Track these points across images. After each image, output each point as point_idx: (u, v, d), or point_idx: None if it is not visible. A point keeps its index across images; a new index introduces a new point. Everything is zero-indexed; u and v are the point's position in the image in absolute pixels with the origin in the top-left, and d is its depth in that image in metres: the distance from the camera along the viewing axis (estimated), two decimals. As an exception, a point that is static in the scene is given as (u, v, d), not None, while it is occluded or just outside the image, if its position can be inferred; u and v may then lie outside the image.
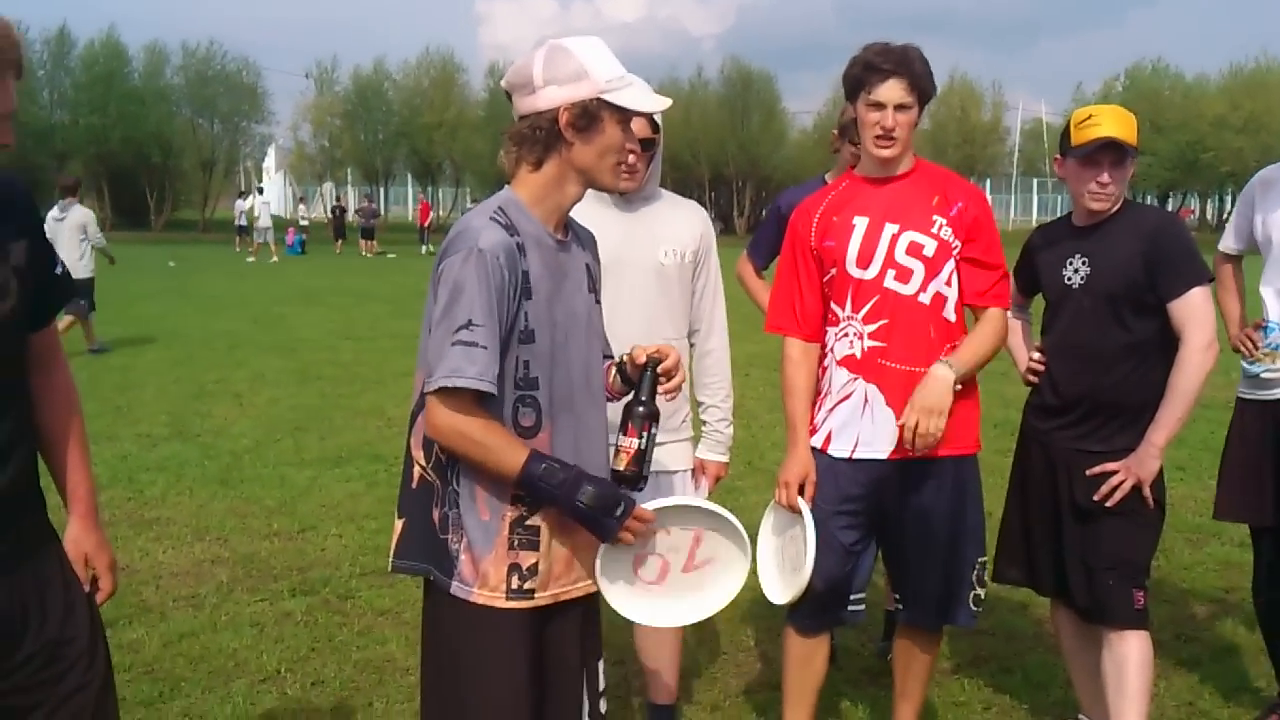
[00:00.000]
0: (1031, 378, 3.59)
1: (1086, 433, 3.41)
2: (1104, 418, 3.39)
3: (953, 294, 3.24)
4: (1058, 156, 3.50)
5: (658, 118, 3.30)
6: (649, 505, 2.45)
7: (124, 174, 49.92)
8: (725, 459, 3.63)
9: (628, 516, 2.37)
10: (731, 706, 4.08)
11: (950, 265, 3.22)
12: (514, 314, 2.31)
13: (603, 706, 2.63)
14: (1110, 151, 3.33)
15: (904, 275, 3.19)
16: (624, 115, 2.37)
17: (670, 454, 3.48)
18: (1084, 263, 3.41)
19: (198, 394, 10.36)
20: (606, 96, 2.33)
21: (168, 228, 49.30)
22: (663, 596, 2.53)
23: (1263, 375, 3.81)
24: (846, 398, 3.26)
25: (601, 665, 2.63)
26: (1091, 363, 3.39)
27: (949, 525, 3.29)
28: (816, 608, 3.33)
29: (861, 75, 3.17)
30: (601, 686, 2.62)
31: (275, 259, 29.54)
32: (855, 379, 3.24)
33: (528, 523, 2.38)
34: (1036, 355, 3.58)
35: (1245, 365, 3.89)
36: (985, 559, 3.39)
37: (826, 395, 3.32)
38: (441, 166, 57.54)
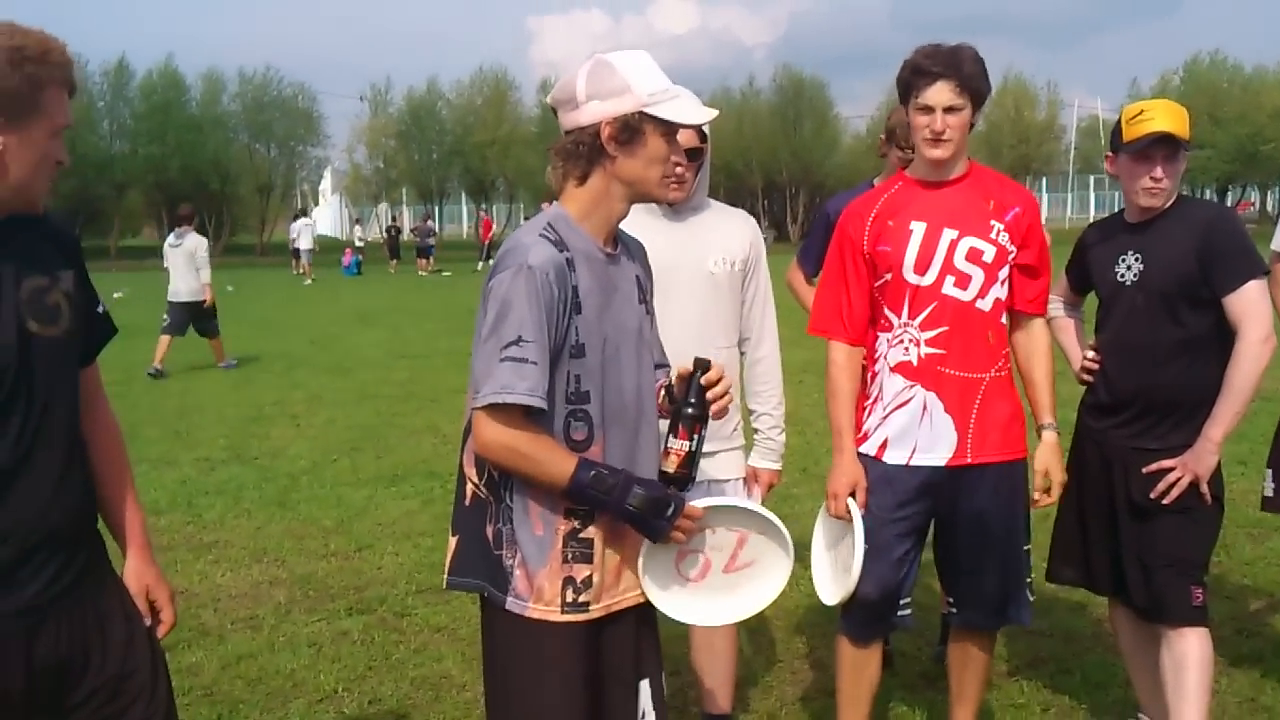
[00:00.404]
0: (1086, 376, 3.55)
1: (1142, 430, 3.36)
2: (1159, 415, 3.34)
3: (1005, 298, 3.23)
4: (1109, 153, 3.46)
5: (705, 128, 3.31)
6: (698, 503, 2.46)
7: (183, 201, 50.75)
8: (777, 467, 3.61)
9: (678, 516, 2.37)
10: (787, 715, 4.06)
11: (1005, 271, 3.20)
12: (564, 329, 2.32)
13: (651, 718, 2.61)
14: (1162, 146, 3.28)
15: (963, 281, 3.17)
16: (668, 128, 2.37)
17: (722, 462, 3.48)
18: (1137, 259, 3.36)
19: (256, 416, 10.51)
20: (649, 109, 2.33)
21: (226, 252, 50.10)
22: (702, 594, 2.52)
23: None
24: (904, 405, 3.22)
25: (663, 677, 2.62)
26: (1146, 360, 3.34)
27: (1005, 527, 3.27)
28: (870, 615, 3.31)
29: (910, 79, 3.15)
30: (663, 698, 2.61)
31: (309, 280, 30.11)
32: (913, 386, 3.21)
33: (581, 535, 2.38)
34: (1090, 354, 3.53)
35: None
36: (1030, 547, 3.38)
37: (877, 402, 3.29)
38: (495, 184, 58.05)
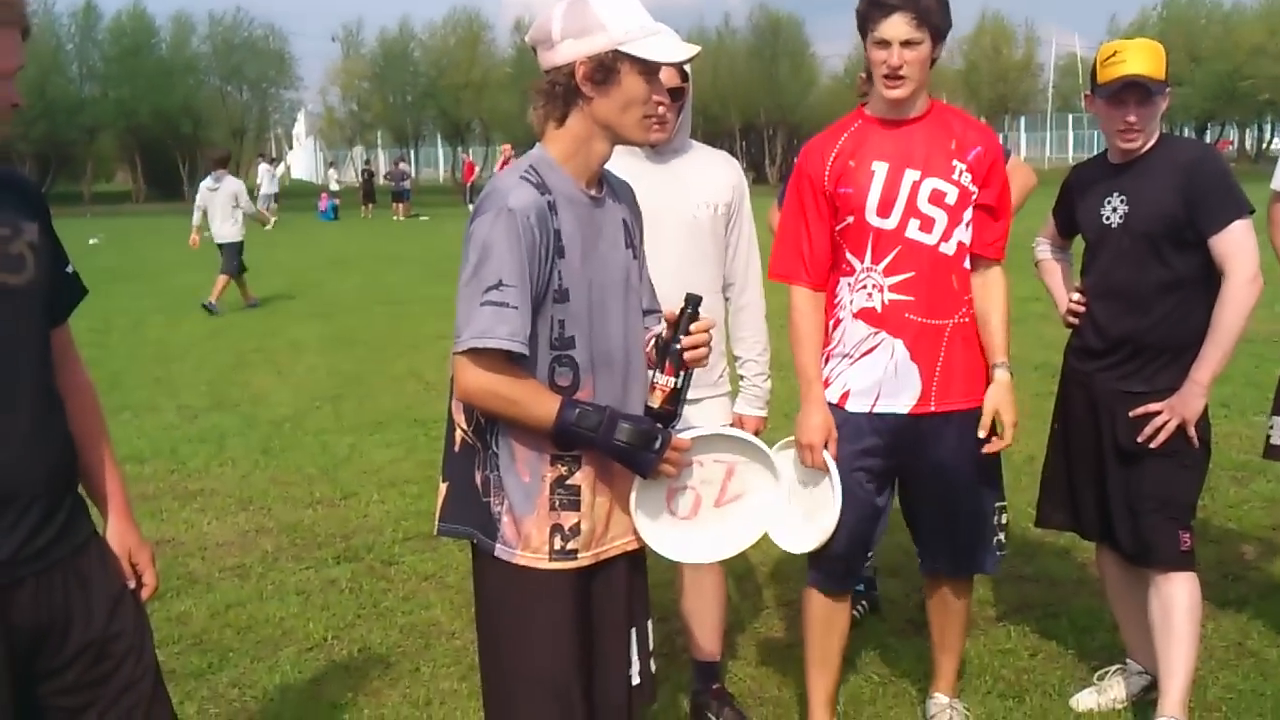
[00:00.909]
0: (1072, 319, 3.53)
1: (1129, 373, 3.35)
2: (1147, 357, 3.33)
3: (968, 242, 3.16)
4: (1087, 94, 3.42)
5: (687, 67, 3.25)
6: (685, 434, 2.44)
7: (155, 146, 50.26)
8: (763, 413, 3.60)
9: (665, 449, 2.34)
10: (775, 660, 4.08)
11: (969, 213, 3.13)
12: (547, 274, 2.30)
13: (652, 666, 2.63)
14: (1135, 90, 3.24)
15: (927, 225, 3.09)
16: (646, 67, 2.31)
17: (708, 409, 3.45)
18: (1122, 201, 3.34)
19: (236, 364, 10.46)
20: (623, 48, 2.27)
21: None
22: (695, 531, 2.51)
23: None
24: (869, 352, 3.16)
25: (650, 625, 2.63)
26: (1133, 302, 3.33)
27: (970, 475, 3.23)
28: (841, 566, 3.28)
29: (867, 12, 3.03)
30: (650, 646, 2.62)
31: (269, 226, 29.71)
32: (878, 333, 3.14)
33: (568, 482, 2.37)
34: (1076, 296, 3.51)
35: None
36: (1005, 504, 3.35)
37: (838, 347, 3.23)
38: (471, 126, 57.45)
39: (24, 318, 2.12)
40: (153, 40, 52.22)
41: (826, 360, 3.25)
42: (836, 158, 3.17)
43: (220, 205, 13.71)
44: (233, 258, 13.90)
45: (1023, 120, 62.04)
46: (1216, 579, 4.49)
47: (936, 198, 3.09)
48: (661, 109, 3.18)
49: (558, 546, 2.38)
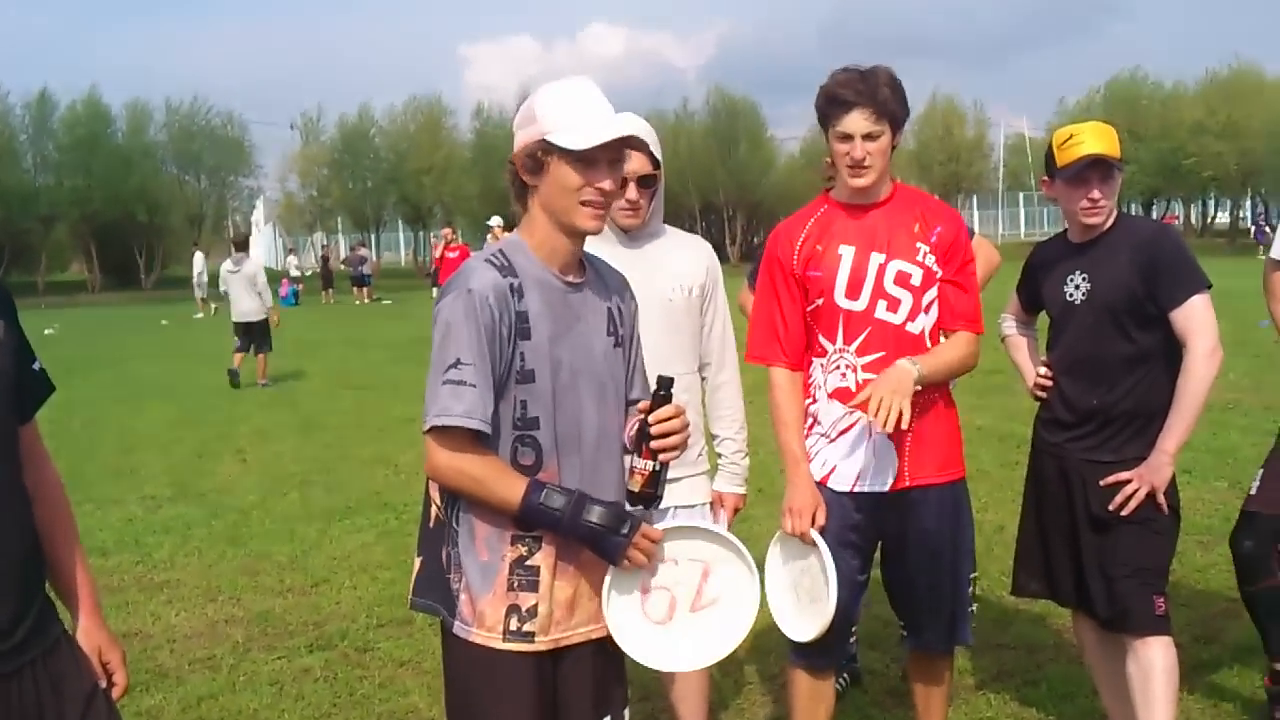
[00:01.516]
0: (1040, 393, 3.61)
1: (1098, 444, 3.43)
2: (1115, 428, 3.41)
3: (935, 319, 3.23)
4: (1045, 178, 3.53)
5: (658, 153, 3.33)
6: (658, 525, 2.45)
7: (111, 234, 49.89)
8: (742, 490, 3.62)
9: (635, 533, 2.34)
10: (758, 737, 4.06)
11: (934, 292, 3.21)
12: (509, 354, 2.33)
13: None
14: (1097, 168, 3.36)
15: (893, 305, 3.17)
16: (573, 155, 2.33)
17: (687, 488, 3.48)
18: (1084, 278, 3.44)
19: (200, 452, 10.35)
20: (548, 137, 2.33)
21: (159, 285, 49.31)
22: (669, 637, 2.47)
23: None
24: (845, 431, 3.23)
25: (626, 714, 2.59)
26: (1098, 376, 3.42)
27: (950, 549, 3.28)
28: (825, 643, 3.24)
29: (826, 108, 3.14)
30: None
31: (199, 315, 30.11)
32: (854, 412, 3.19)
33: (528, 563, 2.37)
34: (1044, 371, 3.60)
35: None
36: (977, 574, 3.41)
37: (815, 427, 3.28)
38: (433, 210, 57.66)
39: None
40: (108, 129, 52.13)
41: (806, 439, 3.30)
42: (805, 242, 3.26)
43: (241, 285, 14.44)
44: (264, 334, 14.60)
45: (975, 198, 63.17)
46: (1188, 642, 4.53)
47: (901, 279, 3.17)
48: (633, 194, 3.27)
49: (513, 627, 2.37)
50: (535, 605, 2.38)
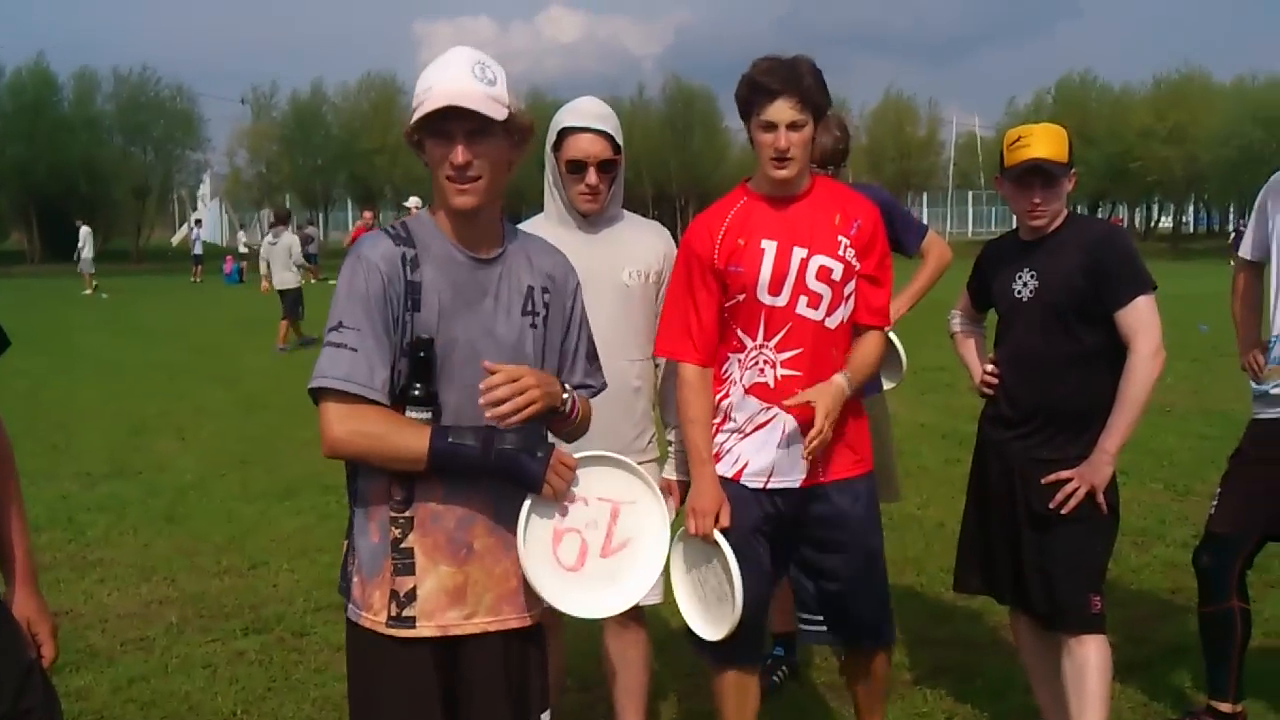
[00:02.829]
0: (986, 390, 3.63)
1: (1041, 442, 3.45)
2: (1057, 426, 3.43)
3: (850, 315, 3.22)
4: (997, 175, 3.55)
5: (619, 138, 3.30)
6: (575, 454, 2.42)
7: (52, 204, 48.82)
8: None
9: (551, 455, 2.32)
10: (696, 728, 4.07)
11: (852, 286, 3.19)
12: (399, 324, 2.29)
13: None
14: (1039, 174, 3.38)
15: (815, 301, 3.13)
16: (430, 131, 2.27)
17: (643, 474, 3.47)
18: (1032, 276, 3.46)
19: (138, 429, 10.18)
20: (414, 114, 2.27)
21: (100, 259, 48.42)
22: (583, 583, 2.44)
23: (1272, 392, 3.79)
24: (761, 426, 3.19)
25: (548, 716, 2.53)
26: (1043, 373, 3.44)
27: (865, 541, 3.27)
28: (746, 637, 3.21)
29: (750, 96, 3.08)
30: None
31: (88, 291, 29.68)
32: (770, 408, 3.16)
33: (402, 546, 2.34)
34: (990, 368, 3.62)
35: (1254, 385, 3.89)
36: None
37: (727, 422, 3.23)
38: (383, 190, 57.15)
39: None
40: (54, 97, 51.07)
41: (716, 433, 3.25)
42: (725, 235, 3.18)
43: (279, 257, 16.10)
44: (294, 303, 16.08)
45: (925, 196, 63.76)
46: (1121, 641, 4.58)
47: (823, 274, 3.14)
48: (594, 178, 3.27)
49: (394, 612, 2.34)
50: (413, 588, 2.34)
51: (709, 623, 3.19)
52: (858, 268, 3.18)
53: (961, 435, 3.84)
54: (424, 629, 2.35)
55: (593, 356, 2.64)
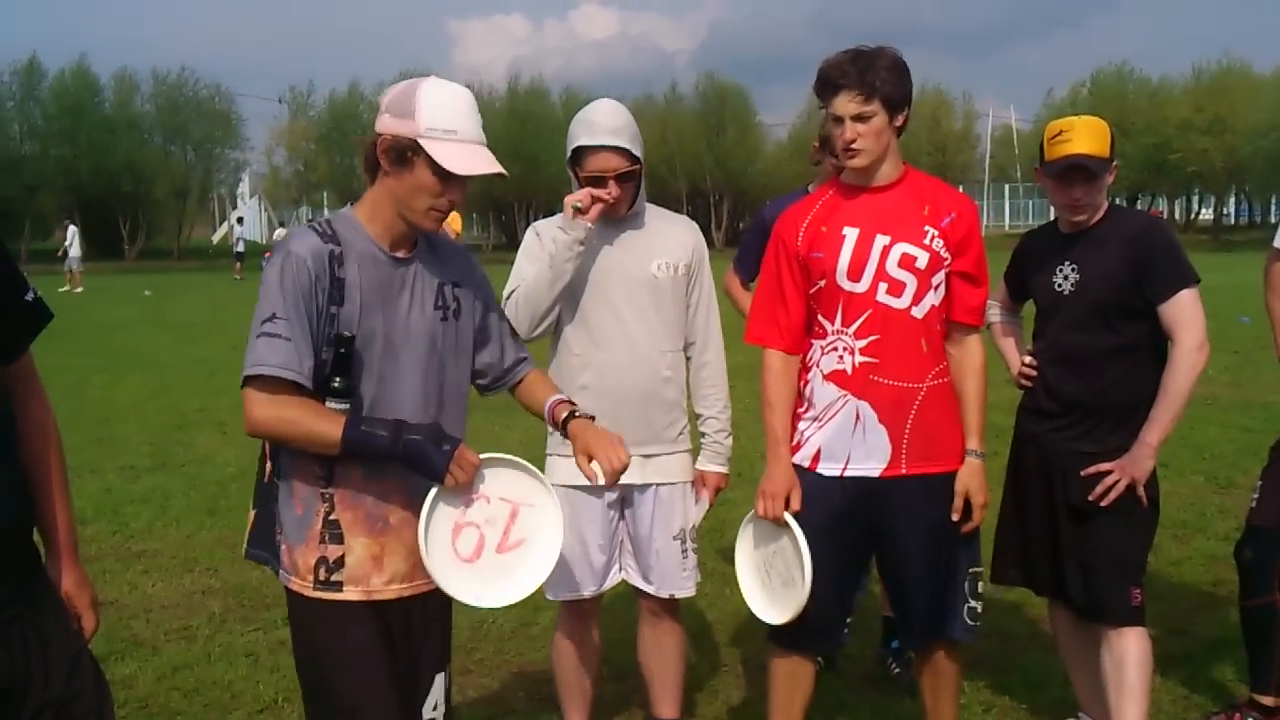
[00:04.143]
0: (1025, 382, 3.61)
1: (1080, 434, 3.43)
2: (1097, 419, 3.41)
3: (942, 307, 3.20)
4: (1036, 166, 3.54)
5: (635, 150, 3.33)
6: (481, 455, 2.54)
7: (96, 204, 49.56)
8: (725, 470, 3.62)
9: (455, 449, 2.44)
10: (735, 719, 4.07)
11: (941, 277, 3.17)
12: (324, 317, 2.42)
13: (440, 711, 2.70)
14: (1079, 171, 3.36)
15: (896, 289, 3.12)
16: (436, 166, 2.41)
17: (669, 465, 3.50)
18: (1073, 269, 3.43)
19: (180, 423, 10.31)
20: (423, 141, 2.41)
21: (142, 256, 49.08)
22: (475, 574, 2.54)
23: None
24: (836, 414, 3.19)
25: (441, 679, 2.70)
26: (1083, 366, 3.42)
27: (943, 538, 3.23)
28: (809, 629, 3.23)
29: (819, 90, 3.14)
30: (439, 697, 2.70)
31: (79, 290, 29.95)
32: (844, 395, 3.17)
33: (331, 518, 2.50)
34: (1029, 360, 3.59)
35: None
36: (980, 570, 3.34)
37: (809, 410, 3.25)
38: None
39: None
40: (96, 98, 51.77)
41: (798, 422, 3.28)
42: (810, 224, 3.23)
43: None
44: None
45: (961, 189, 63.19)
46: (1162, 634, 4.56)
47: (906, 262, 3.13)
48: (614, 189, 3.31)
49: (321, 577, 2.51)
50: (342, 556, 2.51)
51: (772, 606, 3.22)
52: (947, 259, 3.16)
53: (999, 428, 3.80)
54: (350, 593, 2.52)
55: (514, 333, 2.86)
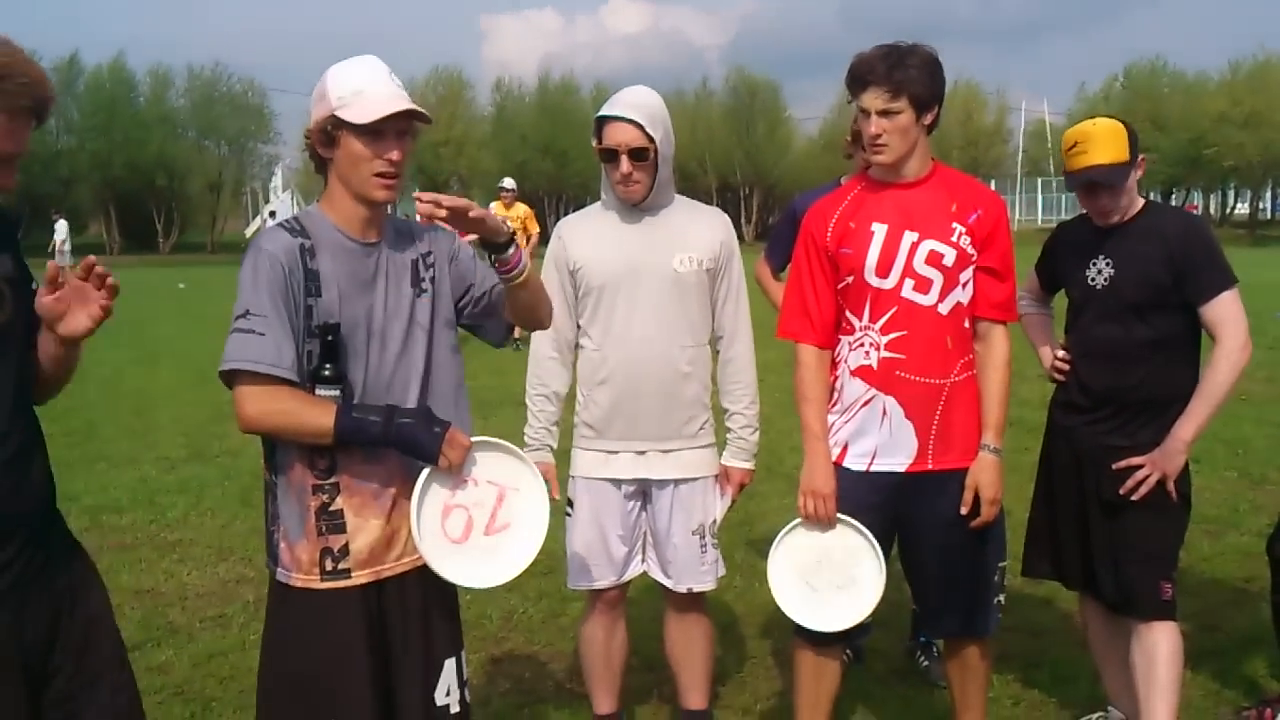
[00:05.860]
0: (1058, 375, 3.60)
1: (1112, 428, 3.42)
2: (1130, 413, 3.40)
3: (968, 303, 3.20)
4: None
5: (649, 129, 3.29)
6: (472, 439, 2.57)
7: (130, 198, 50.18)
8: (750, 465, 3.63)
9: (446, 431, 2.48)
10: (763, 710, 4.10)
11: (968, 274, 3.17)
12: (301, 310, 2.45)
13: (455, 697, 2.69)
14: (1097, 185, 3.35)
15: (923, 285, 3.13)
16: (358, 129, 2.45)
17: (693, 460, 3.50)
18: (1108, 264, 3.41)
19: (214, 415, 10.37)
20: (337, 113, 2.45)
21: (176, 250, 49.48)
22: (462, 555, 2.58)
23: None
24: (863, 409, 3.20)
25: (451, 664, 2.69)
26: (1116, 361, 3.40)
27: (969, 534, 3.23)
28: None
29: (849, 85, 3.16)
30: (453, 680, 2.69)
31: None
32: (871, 390, 3.18)
33: (330, 509, 2.52)
34: (1061, 354, 3.58)
35: None
36: (1006, 563, 3.36)
37: (837, 404, 3.27)
38: (449, 182, 57.65)
39: (3, 356, 2.20)
40: (131, 94, 52.31)
41: (829, 416, 3.30)
42: (839, 220, 3.24)
43: None
44: None
45: (993, 184, 62.84)
46: (1194, 629, 4.54)
47: (934, 259, 3.13)
48: (626, 166, 3.29)
49: (329, 568, 2.53)
50: (346, 544, 2.53)
51: (822, 611, 3.20)
52: (974, 255, 3.17)
53: (1030, 424, 3.80)
54: (359, 577, 2.54)
55: (479, 270, 2.79)
